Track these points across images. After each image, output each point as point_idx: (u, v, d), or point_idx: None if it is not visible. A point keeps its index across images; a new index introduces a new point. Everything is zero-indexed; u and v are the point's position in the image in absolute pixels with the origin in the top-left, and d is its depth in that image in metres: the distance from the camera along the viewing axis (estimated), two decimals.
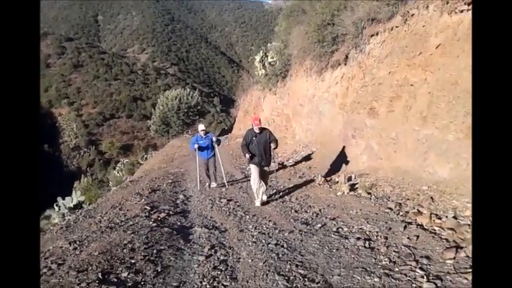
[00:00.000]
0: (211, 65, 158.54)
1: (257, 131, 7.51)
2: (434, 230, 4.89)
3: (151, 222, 6.14)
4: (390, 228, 5.14)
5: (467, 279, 3.50)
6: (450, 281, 3.54)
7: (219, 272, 4.12)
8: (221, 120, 77.30)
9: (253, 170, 7.55)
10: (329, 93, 12.95)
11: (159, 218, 6.49)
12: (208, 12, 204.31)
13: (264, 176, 7.69)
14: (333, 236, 5.15)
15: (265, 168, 7.76)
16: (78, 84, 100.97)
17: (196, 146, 9.33)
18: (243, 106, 27.30)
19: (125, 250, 4.73)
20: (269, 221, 6.16)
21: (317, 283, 3.71)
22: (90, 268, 4.12)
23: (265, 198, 7.65)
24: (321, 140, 12.64)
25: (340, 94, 11.99)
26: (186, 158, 17.37)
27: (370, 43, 10.34)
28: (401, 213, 5.73)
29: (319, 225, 5.69)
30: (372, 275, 3.81)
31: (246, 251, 4.73)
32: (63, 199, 14.72)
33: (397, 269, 3.90)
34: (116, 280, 3.88)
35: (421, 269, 3.82)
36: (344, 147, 10.12)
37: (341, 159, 9.89)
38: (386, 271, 3.87)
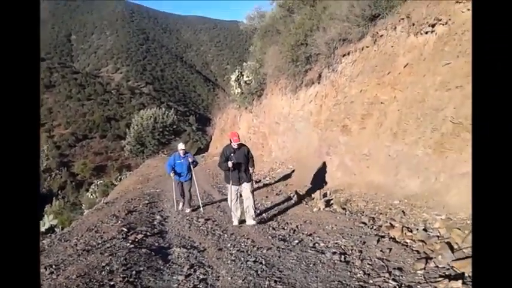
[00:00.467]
0: (187, 83, 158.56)
1: (235, 146, 7.26)
2: (406, 242, 5.10)
3: (128, 244, 6.10)
4: (364, 242, 5.32)
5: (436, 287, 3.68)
6: None
7: None
8: (197, 139, 76.92)
9: (231, 190, 7.37)
10: (304, 111, 13.26)
11: (136, 240, 6.45)
12: (183, 31, 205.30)
13: (246, 193, 7.37)
14: (309, 251, 5.27)
15: (245, 184, 7.38)
16: (49, 104, 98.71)
17: (172, 173, 9.19)
18: (219, 124, 27.45)
19: (103, 272, 4.70)
20: (247, 238, 6.23)
21: None
22: None
23: (254, 221, 7.22)
24: (297, 157, 12.86)
25: (315, 112, 12.31)
26: (162, 178, 17.25)
27: (342, 62, 10.72)
28: (374, 227, 5.94)
29: (296, 241, 5.82)
30: (348, 287, 3.94)
31: (225, 269, 4.79)
32: None
33: (371, 281, 4.05)
34: None
35: (393, 280, 3.99)
36: (320, 163, 10.34)
37: (317, 175, 10.09)
38: (361, 283, 4.02)
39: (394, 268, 4.31)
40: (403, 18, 8.28)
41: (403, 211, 6.23)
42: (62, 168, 73.01)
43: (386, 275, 4.16)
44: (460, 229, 4.83)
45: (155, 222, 8.07)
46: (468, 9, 6.52)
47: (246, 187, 7.39)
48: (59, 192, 47.85)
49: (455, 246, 4.53)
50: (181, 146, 9.77)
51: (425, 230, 5.32)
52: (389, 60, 8.50)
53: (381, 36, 9.03)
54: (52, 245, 6.70)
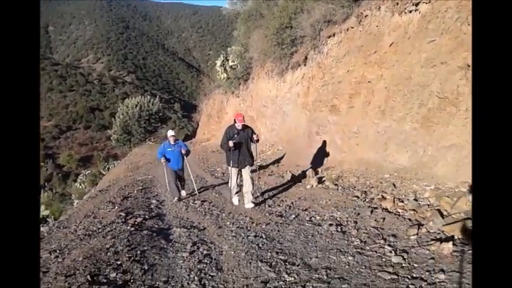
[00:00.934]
0: (170, 71, 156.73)
1: (239, 127, 6.89)
2: (398, 212, 5.36)
3: (129, 227, 6.22)
4: (358, 214, 5.57)
5: (429, 250, 3.94)
6: (414, 253, 3.99)
7: (204, 265, 4.35)
8: (183, 125, 76.52)
9: (233, 171, 7.08)
10: (291, 94, 13.40)
11: (136, 223, 6.57)
12: (163, 18, 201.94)
13: (246, 176, 7.10)
14: (306, 224, 5.50)
15: (248, 167, 7.10)
16: None
17: (163, 159, 8.73)
18: (206, 110, 27.37)
19: (108, 253, 4.83)
20: (245, 216, 6.42)
21: (297, 265, 4.03)
22: (77, 272, 4.21)
23: (252, 202, 7.03)
24: (286, 139, 13.05)
25: (302, 94, 12.45)
26: (152, 165, 17.28)
27: (328, 44, 10.84)
28: (367, 200, 6.19)
29: (293, 216, 6.04)
30: (346, 254, 4.19)
31: (228, 245, 4.98)
32: None
33: (368, 248, 4.30)
34: (105, 280, 4.01)
35: (389, 245, 4.25)
36: (310, 143, 10.54)
37: (307, 155, 10.30)
38: (358, 250, 4.26)
39: (389, 235, 4.57)
40: None
41: (393, 184, 6.49)
42: (48, 160, 72.07)
43: (382, 241, 4.41)
44: (448, 197, 5.11)
45: (152, 206, 8.19)
46: None
47: (246, 171, 7.12)
48: (46, 184, 47.24)
49: (445, 213, 4.80)
50: (170, 133, 9.24)
51: (415, 199, 5.59)
52: (375, 39, 8.67)
53: (366, 16, 9.17)
54: (51, 232, 6.78)
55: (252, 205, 6.97)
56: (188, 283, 3.93)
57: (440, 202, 5.07)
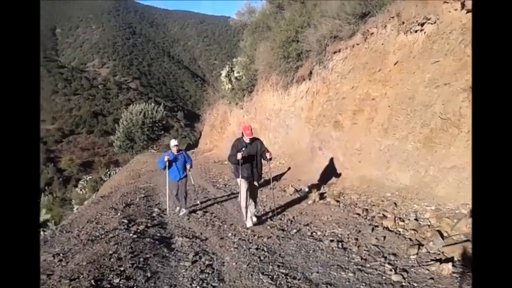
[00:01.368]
0: (174, 79, 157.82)
1: (247, 141, 6.69)
2: (399, 231, 5.42)
3: (131, 234, 6.29)
4: (359, 231, 5.63)
5: (428, 270, 4.01)
6: (414, 272, 4.05)
7: (206, 275, 4.42)
8: (185, 134, 76.79)
9: (243, 185, 6.75)
10: (295, 107, 13.52)
11: (138, 230, 6.64)
12: (170, 26, 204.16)
13: (252, 192, 6.93)
14: (308, 239, 5.57)
15: (255, 183, 6.91)
16: None
17: (166, 158, 8.16)
18: (209, 121, 27.50)
19: (111, 259, 4.91)
20: (247, 228, 6.49)
21: (298, 280, 4.10)
22: (81, 276, 4.29)
23: (254, 220, 6.87)
24: (289, 152, 13.14)
25: (306, 108, 12.57)
26: (154, 173, 17.31)
27: (333, 59, 10.98)
28: (368, 218, 6.25)
29: (295, 230, 6.11)
30: (347, 270, 4.26)
31: (229, 256, 5.05)
32: None
33: (368, 265, 4.37)
34: (109, 286, 4.08)
35: (389, 263, 4.31)
36: (312, 158, 10.63)
37: (309, 170, 10.38)
38: (359, 267, 4.33)
39: (389, 253, 4.63)
40: (393, 17, 8.57)
41: (395, 203, 6.55)
42: (49, 164, 72.22)
43: (382, 259, 4.47)
44: (449, 218, 5.18)
45: (154, 215, 8.26)
46: (455, 9, 6.86)
47: (256, 185, 6.95)
48: (46, 188, 47.25)
49: (445, 234, 4.86)
50: (173, 142, 8.73)
51: (416, 219, 5.65)
52: (380, 57, 8.80)
53: (372, 34, 9.31)
54: (54, 236, 6.88)
55: (251, 224, 6.72)
56: None
57: (441, 223, 5.14)
